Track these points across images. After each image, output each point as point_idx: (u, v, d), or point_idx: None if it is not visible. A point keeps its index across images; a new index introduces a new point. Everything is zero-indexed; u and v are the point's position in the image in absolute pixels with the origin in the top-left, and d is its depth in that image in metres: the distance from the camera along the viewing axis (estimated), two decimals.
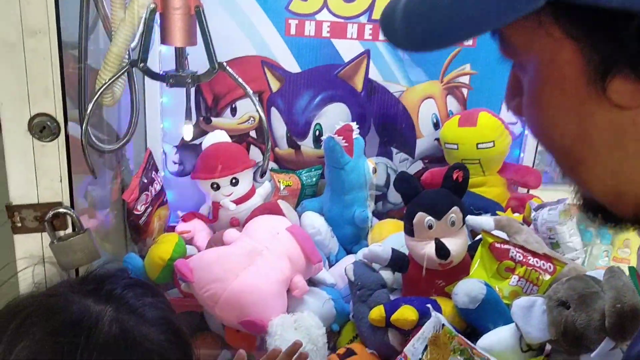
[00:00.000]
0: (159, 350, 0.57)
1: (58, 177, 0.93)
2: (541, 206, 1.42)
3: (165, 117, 1.57)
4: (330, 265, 1.45)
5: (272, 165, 1.63)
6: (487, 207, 1.47)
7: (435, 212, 1.18)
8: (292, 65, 1.55)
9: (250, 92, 1.05)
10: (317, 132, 1.61)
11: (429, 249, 1.18)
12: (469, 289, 1.10)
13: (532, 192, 1.64)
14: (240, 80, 1.04)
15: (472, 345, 1.01)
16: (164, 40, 1.01)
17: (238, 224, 1.46)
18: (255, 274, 1.18)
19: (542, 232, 1.38)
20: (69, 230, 0.96)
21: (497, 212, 1.44)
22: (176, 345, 0.59)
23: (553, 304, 0.99)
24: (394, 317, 1.11)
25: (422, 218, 1.18)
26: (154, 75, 1.05)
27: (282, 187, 1.53)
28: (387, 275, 1.29)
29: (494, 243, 1.21)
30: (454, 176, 1.21)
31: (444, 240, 1.18)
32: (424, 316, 1.09)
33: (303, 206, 1.54)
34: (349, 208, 1.48)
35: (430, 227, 1.18)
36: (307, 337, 1.10)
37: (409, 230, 1.22)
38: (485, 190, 1.53)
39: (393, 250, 1.25)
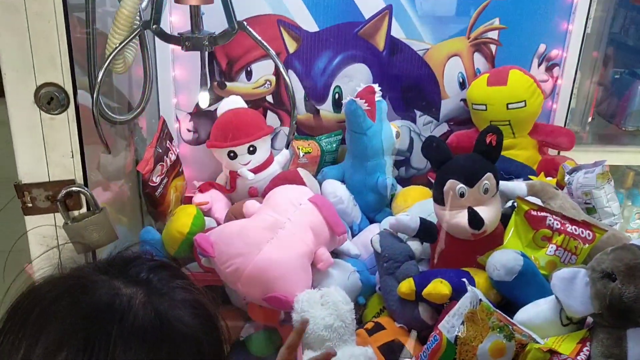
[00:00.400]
0: (194, 333, 0.54)
1: (69, 153, 0.87)
2: (576, 169, 1.35)
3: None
4: (353, 235, 1.40)
5: None
6: (518, 171, 1.40)
7: (468, 179, 1.12)
8: (309, 24, 1.47)
9: (273, 53, 0.97)
10: (337, 95, 1.53)
11: (461, 218, 1.12)
12: (505, 260, 1.04)
13: (562, 153, 1.57)
14: (261, 40, 0.96)
15: (512, 321, 0.96)
16: None
17: (257, 193, 1.41)
18: (279, 248, 1.13)
19: (577, 197, 1.32)
20: (84, 209, 0.90)
21: (529, 176, 1.37)
22: (208, 328, 0.56)
23: (597, 275, 0.94)
24: (426, 291, 1.07)
25: (454, 185, 1.12)
26: (168, 38, 0.97)
27: (301, 154, 1.47)
28: (414, 245, 1.24)
29: (529, 210, 1.15)
30: (487, 140, 1.13)
31: (476, 208, 1.11)
32: (457, 290, 1.04)
33: (323, 174, 1.48)
34: (371, 175, 1.43)
35: (462, 195, 1.12)
36: (335, 314, 1.05)
37: (439, 199, 1.16)
38: (516, 153, 1.46)
39: (421, 219, 1.19)
